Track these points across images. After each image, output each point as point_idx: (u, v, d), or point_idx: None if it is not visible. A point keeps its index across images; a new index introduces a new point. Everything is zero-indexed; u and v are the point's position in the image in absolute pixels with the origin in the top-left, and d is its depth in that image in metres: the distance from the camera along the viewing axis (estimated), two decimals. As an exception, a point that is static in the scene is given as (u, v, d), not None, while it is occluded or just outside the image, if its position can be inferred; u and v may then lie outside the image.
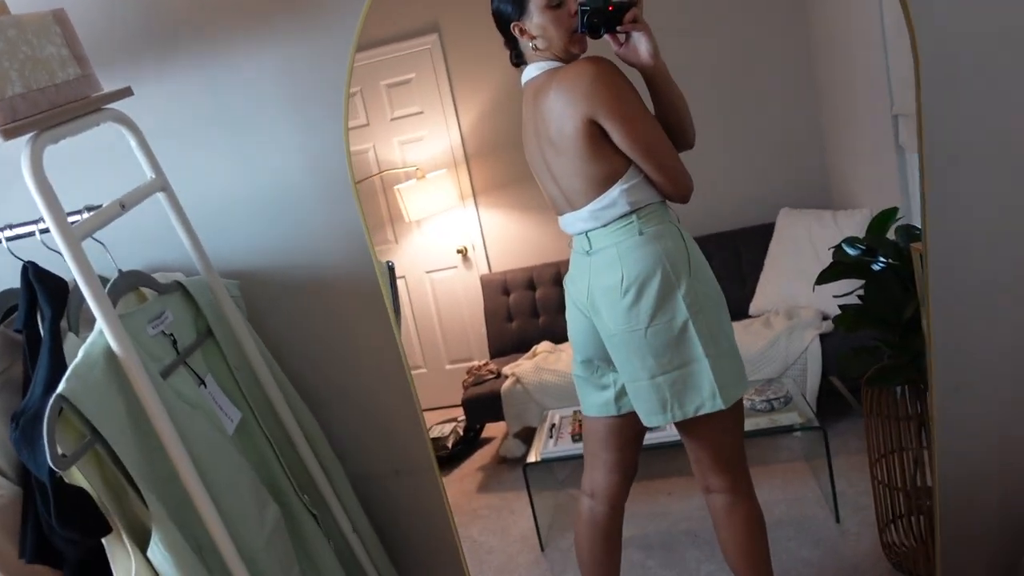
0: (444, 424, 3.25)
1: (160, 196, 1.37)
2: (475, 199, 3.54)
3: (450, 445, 3.03)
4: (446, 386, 3.66)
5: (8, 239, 1.25)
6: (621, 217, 1.50)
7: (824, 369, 2.54)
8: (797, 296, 2.84)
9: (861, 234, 2.04)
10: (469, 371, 3.06)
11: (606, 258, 1.52)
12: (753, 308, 3.07)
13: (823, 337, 2.57)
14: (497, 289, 3.50)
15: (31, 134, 1.09)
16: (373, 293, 1.71)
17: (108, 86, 1.28)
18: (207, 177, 1.64)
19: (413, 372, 4.05)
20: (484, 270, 3.60)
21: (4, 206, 1.45)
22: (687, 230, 1.60)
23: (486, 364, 3.09)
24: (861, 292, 1.91)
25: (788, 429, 2.16)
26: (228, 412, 1.41)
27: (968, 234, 1.39)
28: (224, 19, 1.55)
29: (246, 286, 1.65)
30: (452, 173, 3.51)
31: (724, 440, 1.57)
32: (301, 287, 1.71)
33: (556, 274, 3.38)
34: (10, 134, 1.05)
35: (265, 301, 1.70)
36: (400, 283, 3.69)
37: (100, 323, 1.14)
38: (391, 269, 2.33)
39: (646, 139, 1.46)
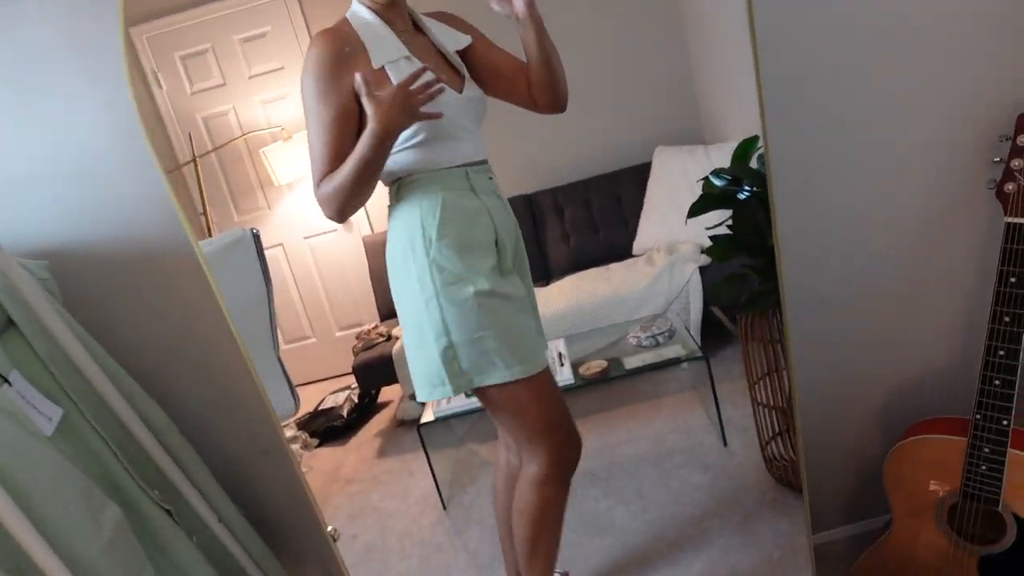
0: (338, 393, 3.15)
1: None
2: (349, 157, 3.35)
3: (345, 414, 2.94)
4: (338, 354, 3.52)
5: None
6: (386, 184, 1.53)
7: (705, 300, 2.61)
8: (676, 231, 2.89)
9: (732, 166, 2.08)
10: (358, 336, 2.96)
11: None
12: (636, 247, 3.11)
13: (703, 269, 2.64)
14: (380, 250, 3.34)
15: None
16: (190, 265, 1.55)
17: None
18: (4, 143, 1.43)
19: (302, 343, 3.88)
20: (366, 231, 3.46)
21: None
22: (483, 192, 1.49)
23: (375, 327, 3.00)
24: (731, 222, 1.95)
25: (674, 362, 2.21)
26: (44, 410, 1.25)
27: (807, 165, 1.41)
28: None
29: (58, 266, 1.47)
30: (322, 131, 3.30)
31: (502, 418, 1.52)
32: (121, 263, 1.55)
33: (440, 229, 3.30)
34: None
35: (84, 281, 1.53)
36: (278, 251, 3.50)
37: None
38: (256, 237, 2.18)
39: (311, 137, 1.43)
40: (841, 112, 1.34)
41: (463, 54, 1.48)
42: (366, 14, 1.38)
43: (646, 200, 3.10)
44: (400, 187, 1.41)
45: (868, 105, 1.33)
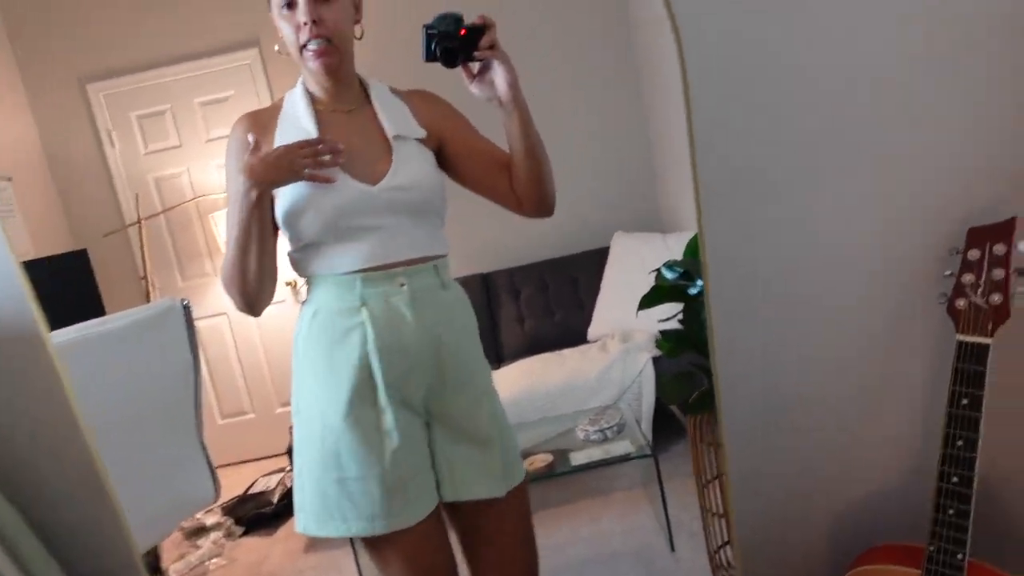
0: (271, 476, 2.96)
1: None
2: (303, 227, 3.27)
3: (275, 500, 2.75)
4: (277, 432, 3.32)
5: None
6: None
7: (658, 392, 2.53)
8: (631, 319, 2.83)
9: (689, 256, 2.04)
10: (296, 414, 2.79)
11: None
12: (591, 333, 3.05)
13: (656, 360, 2.57)
14: (328, 323, 3.25)
15: None
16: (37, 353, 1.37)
17: None
18: None
19: (240, 418, 3.68)
20: (316, 303, 3.32)
21: None
22: (362, 300, 1.19)
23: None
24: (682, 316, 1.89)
25: (622, 459, 2.10)
26: None
27: (747, 270, 1.34)
28: None
29: None
30: (277, 199, 3.22)
31: None
32: None
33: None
34: None
35: None
36: (221, 320, 3.36)
37: None
38: (186, 309, 2.06)
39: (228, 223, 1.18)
40: (787, 218, 1.30)
41: (439, 142, 1.27)
42: (298, 92, 1.23)
43: (603, 285, 3.06)
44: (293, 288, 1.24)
45: (815, 213, 1.29)
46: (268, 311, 3.12)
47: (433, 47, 1.14)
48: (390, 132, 1.21)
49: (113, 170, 3.35)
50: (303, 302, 1.22)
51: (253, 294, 1.16)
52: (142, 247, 3.18)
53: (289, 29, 1.16)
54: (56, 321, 1.51)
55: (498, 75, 1.14)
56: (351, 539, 2.14)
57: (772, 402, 1.37)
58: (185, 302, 2.03)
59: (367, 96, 1.27)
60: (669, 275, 1.86)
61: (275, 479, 2.90)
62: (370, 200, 1.15)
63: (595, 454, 2.15)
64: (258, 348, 3.47)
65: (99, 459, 1.46)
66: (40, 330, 1.35)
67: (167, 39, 3.26)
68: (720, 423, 1.38)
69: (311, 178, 1.11)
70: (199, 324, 2.23)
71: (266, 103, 3.35)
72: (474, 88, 1.17)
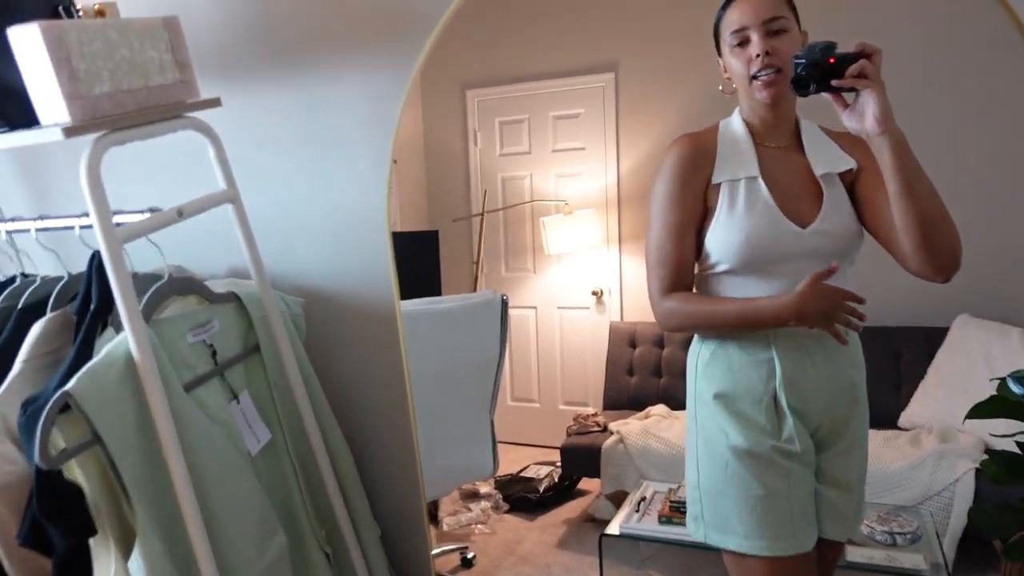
0: (541, 466, 3.16)
1: (228, 207, 1.37)
2: (620, 243, 3.42)
3: (541, 489, 2.94)
4: (556, 425, 3.55)
5: (82, 227, 1.30)
6: None
7: (971, 517, 2.15)
8: (958, 416, 2.44)
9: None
10: (575, 418, 2.96)
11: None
12: (904, 419, 2.68)
13: (979, 472, 2.19)
14: (624, 339, 3.37)
15: (97, 134, 1.09)
16: (389, 337, 1.67)
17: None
18: (277, 192, 1.68)
19: (527, 405, 3.98)
20: (616, 317, 3.47)
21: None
22: (768, 349, 1.22)
23: (595, 415, 2.97)
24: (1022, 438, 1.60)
25: (905, 572, 1.85)
26: (257, 431, 1.40)
27: None
28: (322, 44, 1.60)
29: (311, 306, 1.66)
30: (601, 213, 3.42)
31: None
32: (358, 315, 1.70)
33: (687, 336, 3.19)
34: (71, 133, 1.08)
35: (324, 323, 1.71)
36: (530, 312, 3.67)
37: (126, 328, 1.13)
38: (504, 303, 2.31)
39: (648, 245, 1.28)
40: None
41: (852, 183, 1.27)
42: (736, 124, 1.28)
43: (930, 370, 2.67)
44: None
45: None
46: (571, 315, 3.33)
47: (795, 74, 1.13)
48: (818, 170, 1.24)
49: (471, 166, 3.84)
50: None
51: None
52: (480, 236, 3.61)
53: (740, 63, 1.22)
54: (404, 286, 1.83)
55: (868, 106, 1.08)
56: (600, 547, 2.22)
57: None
58: (505, 297, 2.28)
59: (799, 134, 1.30)
60: (1017, 389, 1.59)
61: (544, 470, 3.10)
62: (798, 241, 1.20)
63: (876, 557, 1.93)
64: (556, 346, 3.72)
65: (414, 414, 1.75)
66: (394, 294, 1.68)
67: (537, 57, 3.61)
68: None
69: (831, 330, 1.14)
70: (511, 313, 2.48)
71: (611, 124, 3.55)
72: (845, 119, 1.13)
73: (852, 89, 1.10)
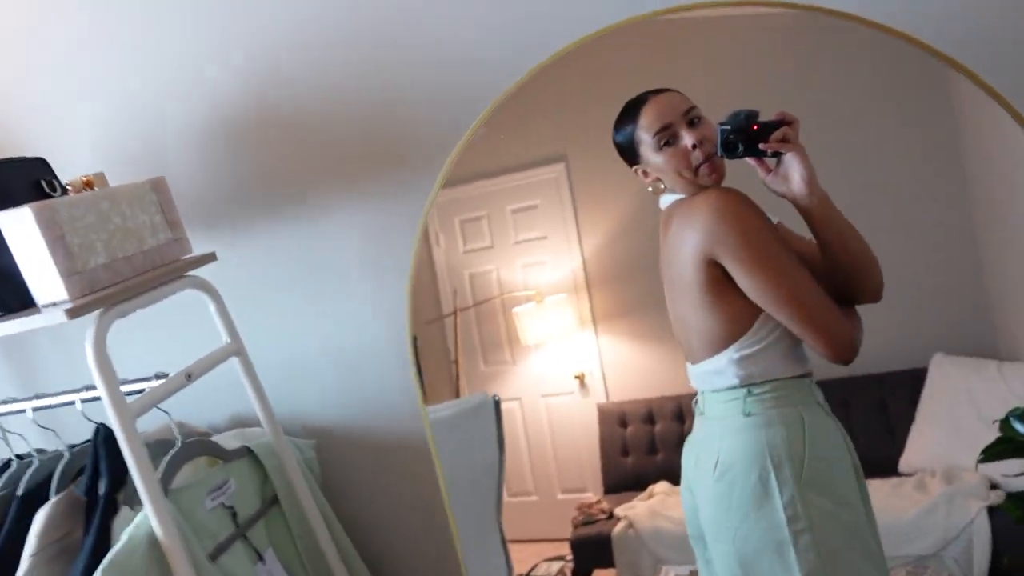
0: (551, 562, 3.06)
1: (234, 361, 1.37)
2: (594, 325, 3.46)
3: (555, 589, 2.83)
4: (557, 516, 3.47)
5: (83, 401, 1.27)
6: (730, 389, 1.29)
7: (995, 548, 2.17)
8: (956, 456, 2.48)
9: (1034, 391, 1.77)
10: (579, 508, 2.89)
11: (710, 429, 1.34)
12: (904, 464, 2.71)
13: (991, 510, 2.21)
14: (614, 420, 3.35)
15: (100, 310, 1.10)
16: (421, 455, 1.65)
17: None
18: (281, 336, 1.68)
19: (523, 499, 3.89)
20: (601, 398, 3.47)
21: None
22: (834, 421, 1.33)
23: (598, 502, 2.92)
24: (1039, 473, 1.63)
25: (951, 626, 1.83)
26: None
27: None
28: (312, 182, 1.63)
29: (322, 446, 1.64)
30: (572, 298, 3.47)
31: None
32: (374, 447, 1.69)
33: (677, 408, 3.19)
34: (75, 314, 1.07)
35: (340, 462, 1.69)
36: (515, 404, 3.63)
37: (147, 509, 1.11)
38: (496, 404, 2.29)
39: (783, 286, 1.23)
40: None
41: None
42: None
43: (919, 412, 2.73)
44: (752, 395, 1.26)
45: None
46: (559, 400, 3.29)
47: (722, 140, 1.24)
48: None
49: (438, 267, 3.86)
50: (760, 408, 1.32)
51: None
52: (456, 334, 3.59)
53: (673, 159, 1.30)
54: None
55: (792, 170, 1.18)
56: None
57: None
58: (497, 398, 2.27)
59: None
60: (1021, 428, 1.63)
61: (555, 566, 3.00)
62: None
63: (915, 615, 1.90)
64: (545, 434, 3.67)
65: (456, 534, 1.70)
66: (424, 422, 1.66)
67: (487, 155, 3.72)
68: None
69: None
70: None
71: (568, 212, 3.65)
72: (770, 182, 1.23)
73: (776, 154, 1.21)
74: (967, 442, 1.97)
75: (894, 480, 2.65)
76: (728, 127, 1.26)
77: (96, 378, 1.05)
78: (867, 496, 1.28)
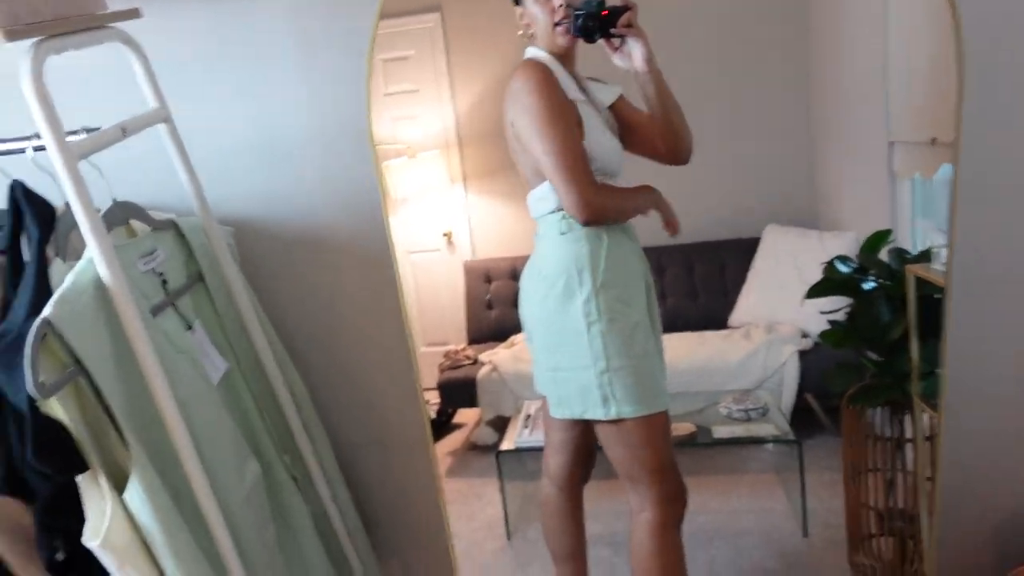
0: (414, 407, 3.20)
1: (161, 128, 1.31)
2: (464, 183, 3.49)
3: (418, 428, 2.97)
4: (422, 366, 3.58)
5: (4, 153, 1.17)
6: (551, 213, 1.55)
7: (800, 386, 2.56)
8: (777, 311, 2.86)
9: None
10: (446, 354, 3.02)
11: (539, 247, 1.62)
12: (733, 319, 3.09)
13: (801, 354, 2.60)
14: (480, 276, 3.46)
15: (33, 40, 1.02)
16: (380, 259, 1.68)
17: (114, 6, 1.21)
18: (211, 115, 1.58)
19: (384, 352, 3.94)
20: (468, 255, 3.55)
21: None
22: (633, 243, 1.59)
23: (463, 349, 3.06)
24: (848, 310, 1.93)
25: (764, 440, 2.18)
26: (214, 361, 1.36)
27: (991, 262, 1.40)
28: None
29: (240, 234, 1.60)
30: (444, 155, 3.46)
31: (626, 453, 1.55)
32: (299, 241, 1.67)
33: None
34: (13, 35, 1.00)
35: (259, 252, 1.65)
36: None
37: (93, 250, 1.06)
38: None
39: (549, 153, 1.44)
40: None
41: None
42: (546, 57, 1.51)
43: (750, 275, 3.09)
44: (565, 218, 1.49)
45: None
46: (425, 256, 3.37)
47: (579, 24, 1.39)
48: (606, 103, 1.63)
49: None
50: (570, 227, 1.54)
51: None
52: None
53: (544, 10, 1.49)
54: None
55: (635, 50, 1.42)
56: (498, 464, 2.36)
57: (997, 390, 1.41)
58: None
59: None
60: (843, 269, 1.91)
61: (418, 411, 3.14)
62: (619, 156, 1.58)
63: (737, 431, 2.23)
64: (410, 290, 3.72)
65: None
66: (384, 222, 1.65)
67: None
68: (941, 418, 1.44)
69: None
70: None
71: (441, 65, 3.56)
72: (616, 60, 1.47)
73: (622, 36, 1.41)
74: (787, 298, 2.28)
75: (724, 332, 3.00)
76: (581, 12, 1.40)
77: (36, 112, 0.96)
78: (654, 306, 1.66)
